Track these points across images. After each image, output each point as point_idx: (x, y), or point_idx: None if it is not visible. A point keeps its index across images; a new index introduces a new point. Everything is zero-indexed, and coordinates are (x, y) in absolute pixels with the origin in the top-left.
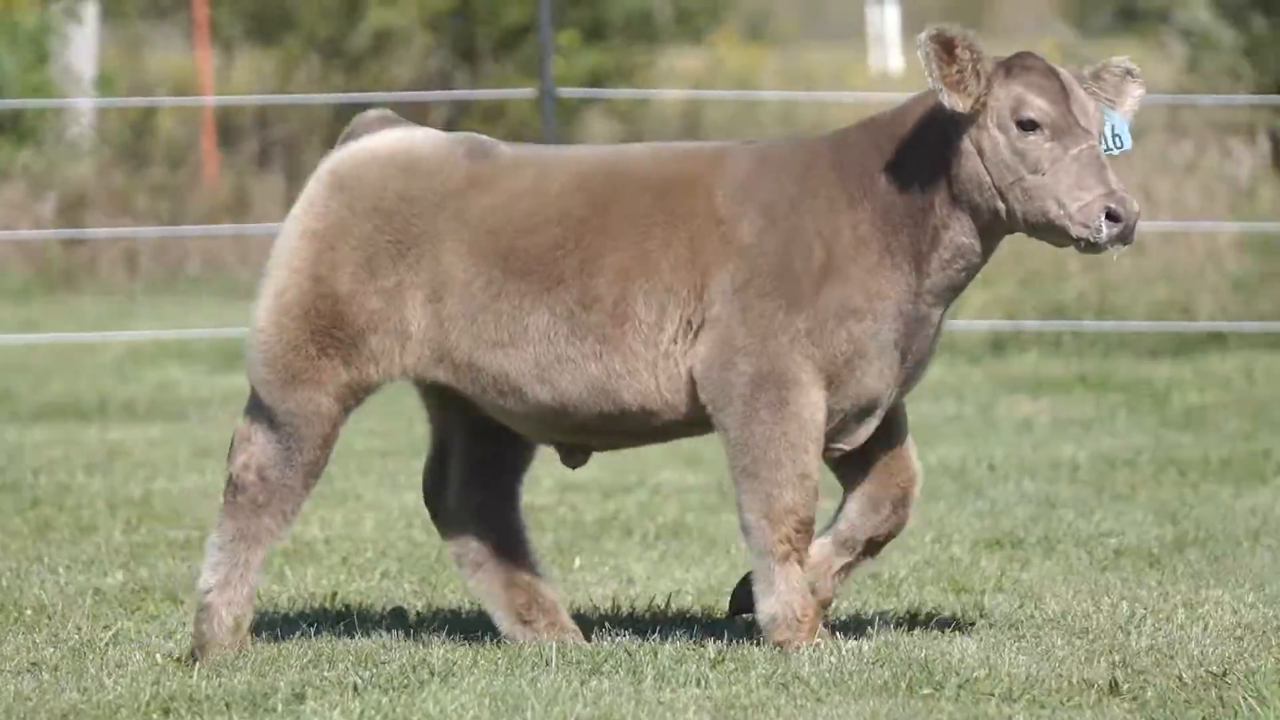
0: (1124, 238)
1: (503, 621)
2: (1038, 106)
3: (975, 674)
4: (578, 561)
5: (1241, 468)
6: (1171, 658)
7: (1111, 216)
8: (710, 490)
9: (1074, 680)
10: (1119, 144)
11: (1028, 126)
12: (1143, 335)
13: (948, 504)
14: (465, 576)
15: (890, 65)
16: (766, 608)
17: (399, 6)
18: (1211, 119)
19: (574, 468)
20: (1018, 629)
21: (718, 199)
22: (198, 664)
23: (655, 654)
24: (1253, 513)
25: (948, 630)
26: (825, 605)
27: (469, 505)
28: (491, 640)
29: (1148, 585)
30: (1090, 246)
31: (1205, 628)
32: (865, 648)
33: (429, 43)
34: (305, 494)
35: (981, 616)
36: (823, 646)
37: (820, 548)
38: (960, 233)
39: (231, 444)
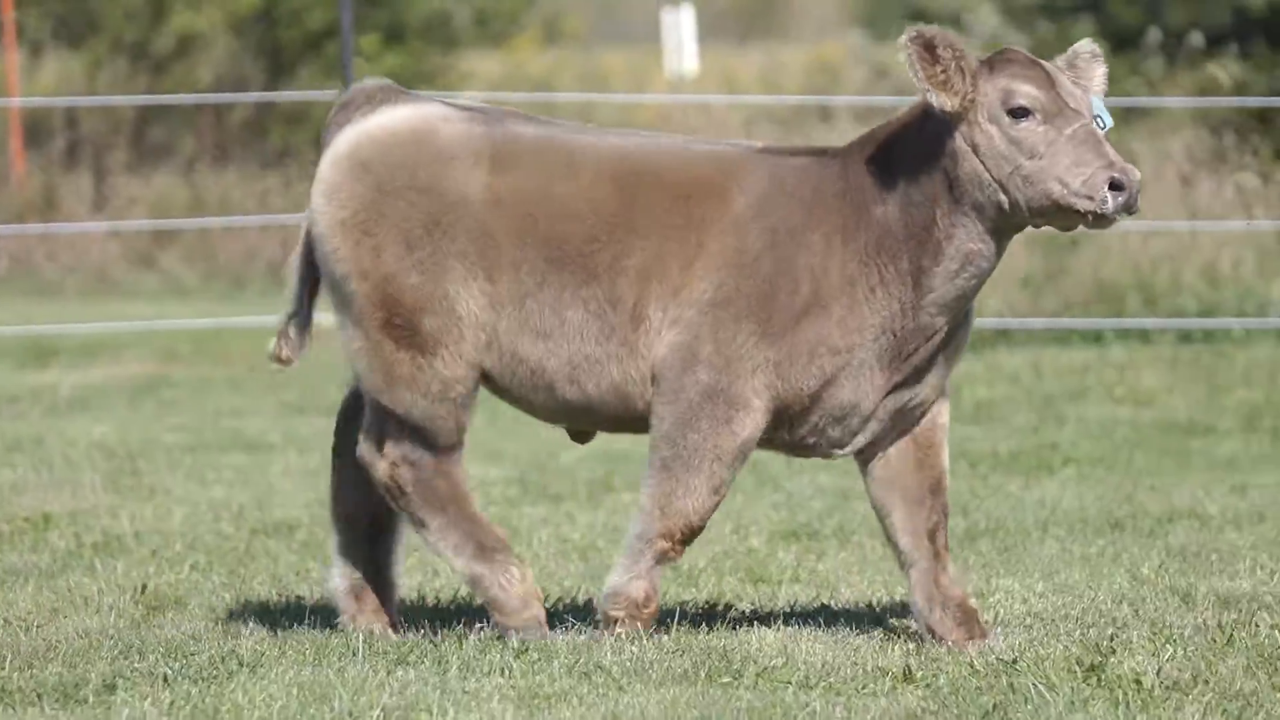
0: (1129, 207)
1: (337, 581)
2: (1026, 93)
3: (773, 662)
4: None
5: (1029, 460)
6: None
7: (1115, 186)
8: (511, 484)
9: (869, 668)
10: (1101, 124)
11: (1019, 114)
12: None
13: (746, 497)
14: (329, 518)
15: (685, 68)
16: (616, 583)
17: (203, 10)
18: None
19: (581, 444)
20: (814, 618)
21: (733, 210)
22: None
23: (460, 644)
24: (1041, 504)
25: (746, 620)
26: (969, 613)
27: (348, 468)
28: (300, 632)
29: None
30: (1099, 219)
31: (996, 616)
32: (665, 637)
33: (233, 45)
34: (460, 456)
35: (779, 606)
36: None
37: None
38: (968, 239)
39: (363, 453)
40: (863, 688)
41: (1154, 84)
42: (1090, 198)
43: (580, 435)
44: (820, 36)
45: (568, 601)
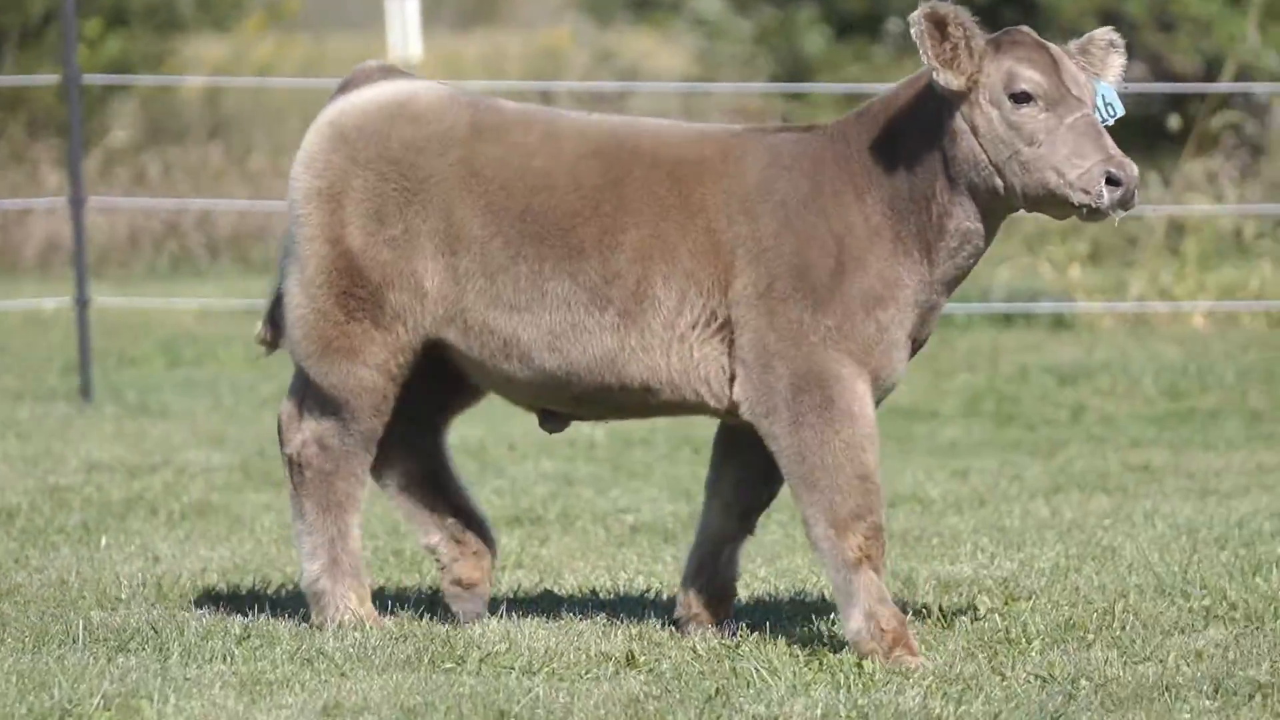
0: (1125, 202)
1: (428, 536)
2: (1030, 78)
3: (496, 648)
4: (104, 540)
5: None
6: (687, 630)
7: (1112, 181)
8: (235, 470)
9: (592, 653)
10: (1111, 112)
11: (1021, 99)
12: None
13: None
14: (389, 496)
15: (411, 52)
16: (852, 622)
17: None
18: (725, 106)
19: (552, 433)
20: (538, 604)
21: (734, 193)
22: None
23: (182, 631)
24: None
25: None
26: (728, 598)
27: (394, 431)
28: (20, 619)
29: (663, 560)
30: (1092, 213)
31: None
32: (389, 623)
33: None
34: (369, 457)
35: (502, 592)
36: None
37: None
38: (964, 218)
39: (280, 431)
40: (586, 673)
41: (880, 70)
42: (1086, 191)
43: (553, 420)
44: (544, 23)
45: (290, 588)
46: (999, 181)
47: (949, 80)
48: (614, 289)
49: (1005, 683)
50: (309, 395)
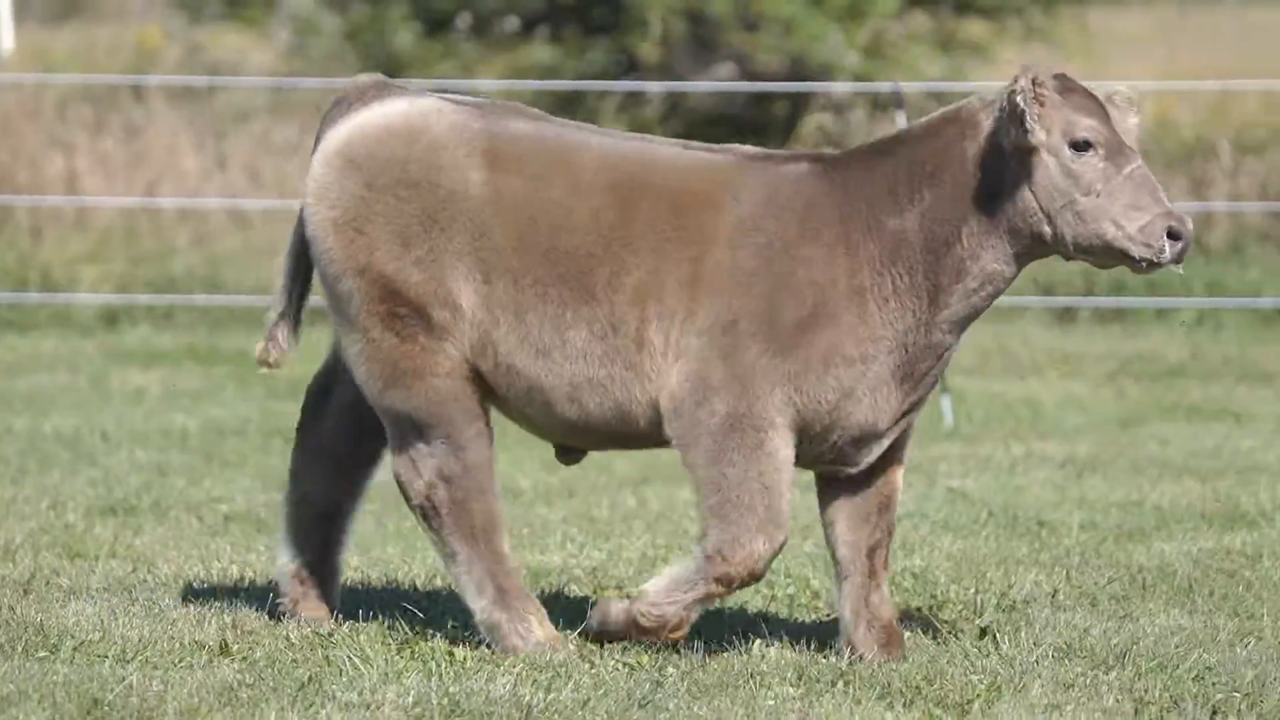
0: (1181, 256)
1: (284, 556)
2: (1090, 127)
3: (90, 636)
4: None
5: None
6: (279, 621)
7: (1173, 235)
8: None
9: (186, 642)
10: None
11: (1082, 147)
12: (252, 309)
13: (62, 472)
14: (286, 498)
15: (3, 46)
16: (658, 594)
17: None
18: (315, 101)
19: (568, 464)
20: (131, 593)
21: (724, 226)
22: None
23: None
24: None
25: (64, 595)
26: (894, 638)
27: (338, 452)
28: None
29: (256, 550)
30: (1152, 266)
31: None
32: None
33: None
34: (492, 467)
35: (96, 582)
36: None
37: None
38: (993, 260)
39: (399, 479)
40: (180, 661)
41: (469, 67)
42: (1149, 245)
43: (569, 455)
44: (135, 18)
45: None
46: (1048, 229)
47: (1039, 139)
48: (620, 337)
49: (594, 670)
50: (412, 436)
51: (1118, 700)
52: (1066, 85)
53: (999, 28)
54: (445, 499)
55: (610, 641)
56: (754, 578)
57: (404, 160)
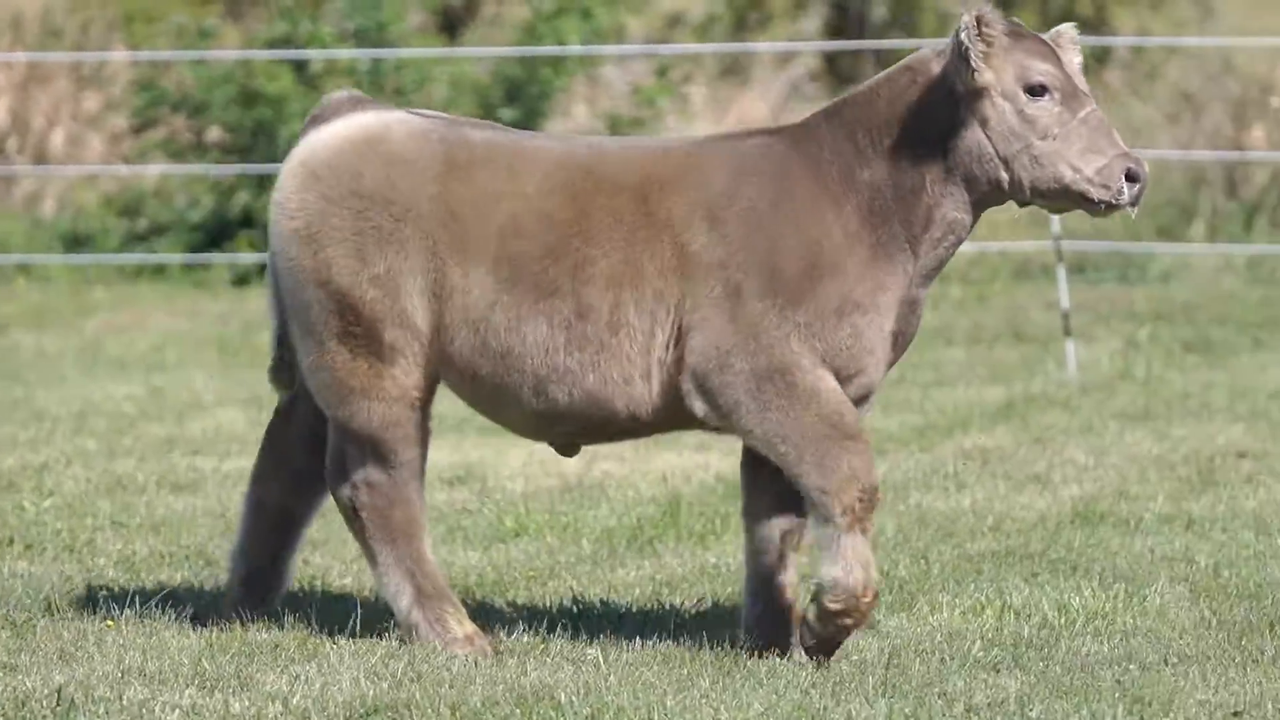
0: (1138, 198)
1: (236, 564)
2: (1045, 71)
3: None
4: None
5: None
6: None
7: (1130, 177)
8: None
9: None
10: None
11: (1038, 92)
12: None
13: None
14: (246, 501)
15: None
16: (830, 573)
17: None
18: None
19: (569, 456)
20: None
21: (699, 204)
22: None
23: None
24: None
25: None
26: (789, 625)
27: (297, 464)
28: None
29: None
30: (1110, 208)
31: None
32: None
33: None
34: (420, 482)
35: None
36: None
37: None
38: (953, 207)
39: (330, 476)
40: None
41: None
42: (1107, 186)
43: (567, 448)
44: None
45: None
46: (1005, 174)
47: (986, 80)
48: (589, 324)
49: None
50: (349, 444)
51: None
52: (1017, 31)
53: None
54: (368, 503)
55: (836, 648)
56: (871, 491)
57: (360, 173)
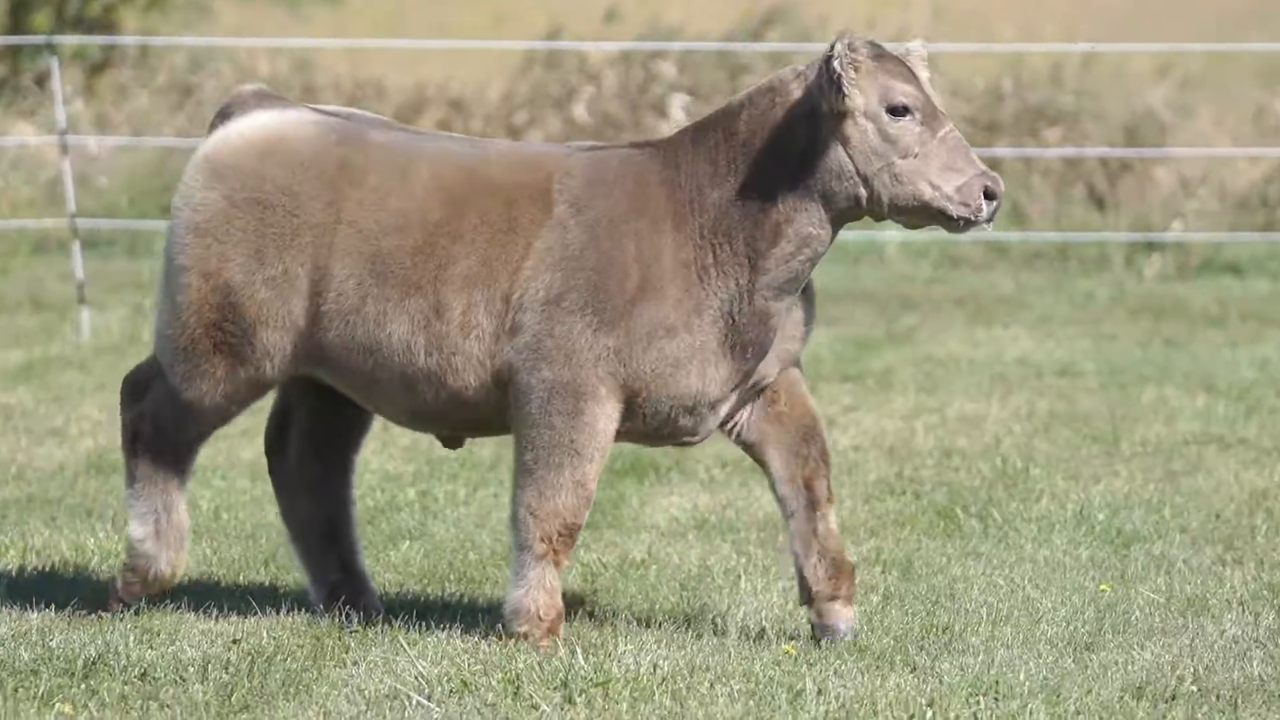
0: (993, 215)
1: (316, 590)
2: (907, 92)
3: None
4: None
5: None
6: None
7: (989, 195)
8: None
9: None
10: None
11: (900, 112)
12: None
13: None
14: (288, 537)
15: None
16: (512, 600)
17: None
18: None
19: (453, 449)
20: None
21: (555, 210)
22: (126, 610)
23: None
24: None
25: None
26: (843, 569)
27: (305, 475)
28: None
29: None
30: (968, 225)
31: None
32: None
33: None
34: (200, 444)
35: None
36: (558, 649)
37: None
38: (807, 223)
39: (126, 390)
40: None
41: None
42: (966, 204)
43: (450, 441)
44: None
45: None
46: (863, 191)
47: (856, 103)
48: (444, 324)
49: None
50: (159, 380)
51: None
52: (879, 52)
53: None
54: (148, 438)
55: (535, 650)
56: (568, 531)
57: (261, 177)
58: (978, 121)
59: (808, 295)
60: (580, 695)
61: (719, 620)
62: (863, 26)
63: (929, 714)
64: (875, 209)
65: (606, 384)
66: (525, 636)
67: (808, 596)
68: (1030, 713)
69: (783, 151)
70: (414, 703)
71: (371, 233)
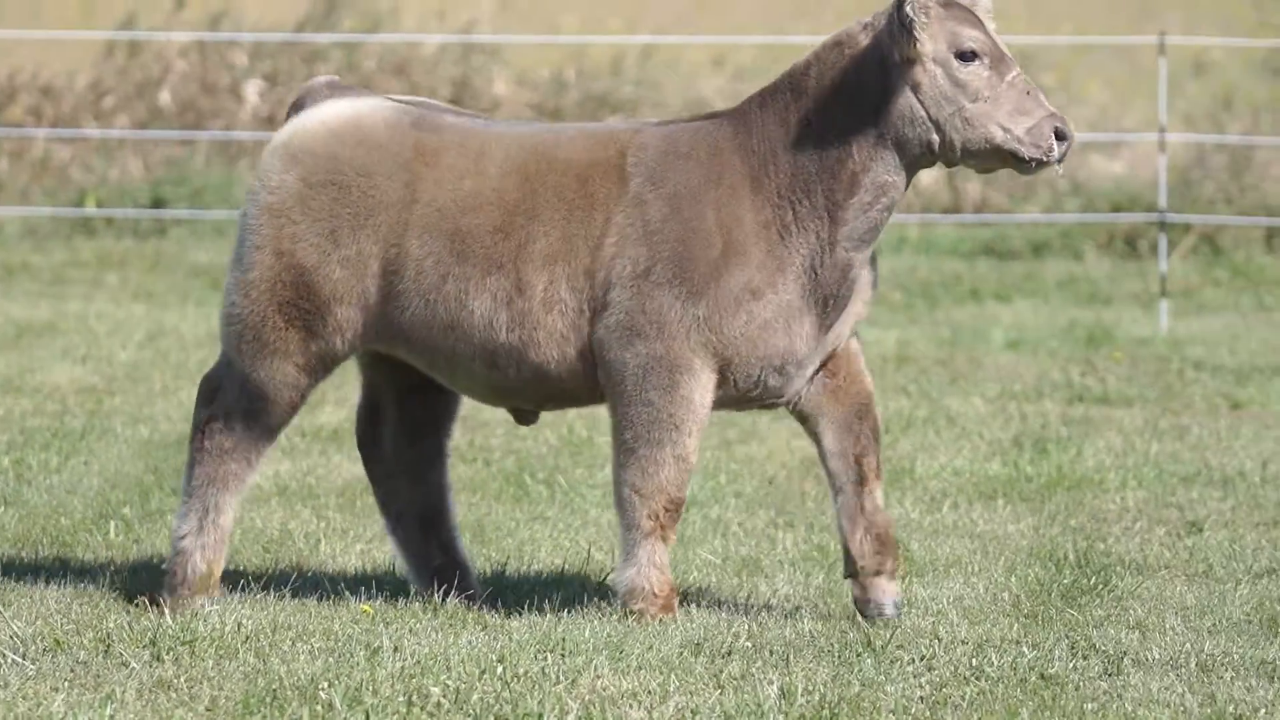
0: (1065, 155)
1: (416, 576)
2: (974, 36)
3: None
4: None
5: None
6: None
7: (1060, 136)
8: None
9: None
10: None
11: (968, 57)
12: None
13: None
14: (387, 526)
15: None
16: (626, 578)
17: None
18: None
19: (526, 425)
20: None
21: (630, 184)
22: (166, 608)
23: None
24: None
25: None
26: (889, 544)
27: (402, 461)
28: None
29: None
30: (1040, 165)
31: None
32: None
33: None
34: (271, 444)
35: None
36: (673, 625)
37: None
38: (883, 171)
39: (201, 392)
40: None
41: None
42: (1038, 145)
43: (523, 415)
44: None
45: None
46: (936, 136)
47: (927, 49)
48: (526, 300)
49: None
50: (231, 375)
51: None
52: (948, 1)
53: None
54: (216, 437)
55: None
56: (674, 506)
57: (337, 159)
58: (543, 109)
59: (872, 259)
60: (168, 653)
61: (300, 581)
62: (433, 18)
63: (499, 669)
64: (948, 154)
65: (700, 355)
66: (641, 614)
67: (852, 570)
68: (595, 668)
69: (854, 102)
70: (8, 661)
71: (449, 211)
